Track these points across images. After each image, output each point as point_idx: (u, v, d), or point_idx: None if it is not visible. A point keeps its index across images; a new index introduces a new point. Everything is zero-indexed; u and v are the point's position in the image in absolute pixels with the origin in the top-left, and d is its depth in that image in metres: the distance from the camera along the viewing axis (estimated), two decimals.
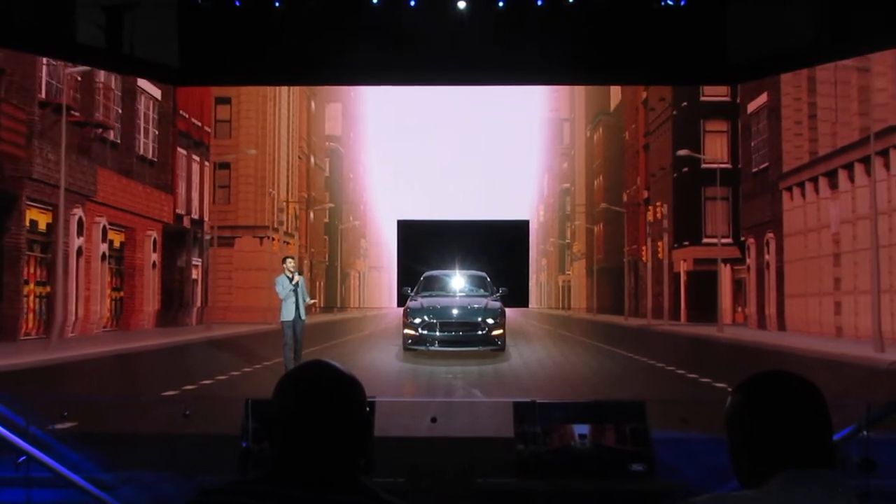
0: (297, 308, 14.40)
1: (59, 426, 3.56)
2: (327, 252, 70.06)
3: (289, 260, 14.86)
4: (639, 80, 5.60)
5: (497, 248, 19.45)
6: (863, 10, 3.35)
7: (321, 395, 1.56)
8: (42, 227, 24.17)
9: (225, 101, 42.91)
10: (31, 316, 23.48)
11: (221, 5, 3.67)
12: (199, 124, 38.35)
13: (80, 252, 25.53)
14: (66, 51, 4.02)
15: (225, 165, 41.27)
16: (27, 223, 22.98)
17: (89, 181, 25.25)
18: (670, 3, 3.56)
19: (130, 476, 3.32)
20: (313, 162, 63.74)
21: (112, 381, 16.27)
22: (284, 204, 48.78)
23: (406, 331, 18.30)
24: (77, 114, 24.35)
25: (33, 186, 22.81)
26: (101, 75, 27.21)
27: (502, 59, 3.88)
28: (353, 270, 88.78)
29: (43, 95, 23.84)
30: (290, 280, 14.47)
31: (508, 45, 3.79)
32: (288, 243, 47.46)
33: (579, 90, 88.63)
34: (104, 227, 27.76)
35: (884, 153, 23.30)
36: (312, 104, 63.36)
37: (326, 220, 68.84)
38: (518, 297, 20.65)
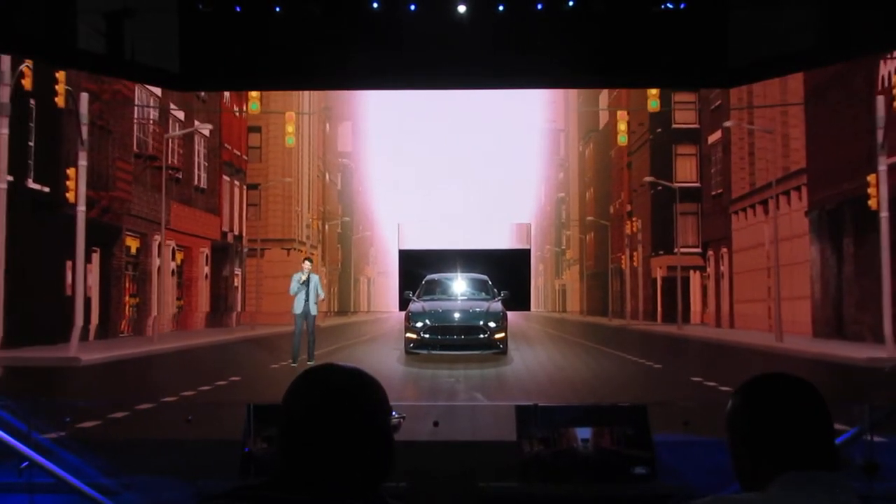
0: (307, 301, 16.32)
1: (61, 432, 3.56)
2: (340, 260, 74.16)
3: (305, 262, 16.97)
4: (639, 83, 5.62)
5: (498, 272, 19.81)
6: (861, 14, 3.35)
7: (328, 400, 1.52)
8: (133, 251, 31.01)
9: (256, 129, 47.87)
10: (124, 320, 29.98)
11: (222, 11, 3.67)
12: (238, 153, 44.56)
13: (159, 270, 32.44)
14: (69, 58, 4.03)
15: (255, 186, 47.19)
16: (124, 249, 29.97)
17: (165, 212, 31.57)
18: (670, 6, 3.56)
19: (132, 481, 3.32)
20: (328, 178, 67.64)
21: (214, 364, 19.39)
22: (311, 220, 55.73)
23: (408, 334, 18.24)
24: (157, 159, 30.91)
25: (129, 220, 29.64)
26: (174, 127, 34.19)
27: (502, 63, 3.88)
28: (362, 277, 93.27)
29: (136, 149, 30.53)
30: (300, 279, 16.38)
31: (509, 49, 3.78)
32: (313, 254, 53.14)
33: (572, 106, 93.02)
34: (173, 248, 34.02)
35: (797, 188, 30.11)
36: (327, 126, 67.57)
37: (339, 230, 73.21)
38: (520, 300, 20.75)
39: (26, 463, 3.03)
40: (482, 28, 3.68)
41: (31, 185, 22.24)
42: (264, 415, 3.38)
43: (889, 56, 23.57)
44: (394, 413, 1.58)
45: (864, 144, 22.11)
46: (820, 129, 27.68)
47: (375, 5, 3.61)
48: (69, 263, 24.38)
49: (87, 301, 25.42)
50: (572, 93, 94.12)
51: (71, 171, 21.29)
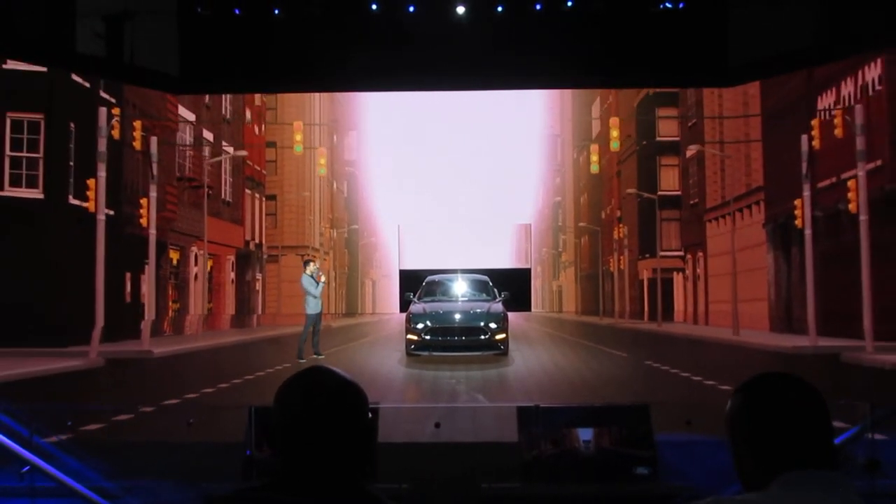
0: (319, 300, 17.90)
1: (62, 436, 3.56)
2: (347, 265, 78.39)
3: (310, 264, 18.26)
4: (638, 82, 5.62)
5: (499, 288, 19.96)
6: (860, 12, 3.35)
7: (323, 401, 1.55)
8: (175, 262, 35.60)
9: (272, 144, 52.03)
10: (166, 321, 34.34)
11: (221, 14, 3.67)
12: (258, 168, 49.35)
13: (195, 277, 37.64)
14: (68, 61, 4.03)
15: (273, 197, 52.66)
16: (168, 261, 34.53)
17: (200, 226, 35.69)
18: (669, 5, 3.56)
19: (134, 485, 3.31)
20: (335, 186, 71.58)
21: (262, 355, 22.16)
22: (324, 228, 61.39)
23: (409, 336, 18.21)
24: (195, 181, 36.00)
25: (173, 235, 34.05)
26: (207, 150, 38.63)
27: (502, 63, 3.88)
28: (368, 280, 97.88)
29: (177, 173, 35.01)
30: (316, 281, 17.65)
31: (508, 49, 3.78)
32: (325, 260, 58.17)
33: (567, 117, 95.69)
34: (205, 256, 38.49)
35: (757, 202, 34.89)
36: (335, 137, 71.49)
37: (346, 236, 77.54)
38: (521, 302, 20.82)
39: (28, 467, 3.03)
40: (481, 28, 3.68)
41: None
42: (266, 417, 3.37)
43: (825, 91, 27.60)
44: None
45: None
46: (773, 152, 32.16)
47: (374, 6, 3.61)
48: (128, 275, 29.47)
49: (142, 306, 30.46)
50: (567, 100, 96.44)
51: (143, 201, 26.11)
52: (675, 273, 49.06)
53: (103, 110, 22.74)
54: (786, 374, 1.60)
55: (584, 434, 3.38)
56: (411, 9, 3.62)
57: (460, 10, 3.64)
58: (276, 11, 3.62)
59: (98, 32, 3.58)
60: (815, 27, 3.53)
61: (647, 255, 52.11)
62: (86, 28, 3.56)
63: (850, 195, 22.55)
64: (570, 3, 3.56)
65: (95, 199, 22.05)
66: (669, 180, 51.73)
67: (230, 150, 41.33)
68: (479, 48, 3.75)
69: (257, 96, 49.12)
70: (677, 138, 50.42)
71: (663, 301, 44.83)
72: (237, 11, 3.64)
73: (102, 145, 22.32)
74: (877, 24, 3.32)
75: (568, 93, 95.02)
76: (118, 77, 4.06)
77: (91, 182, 22.45)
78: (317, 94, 59.95)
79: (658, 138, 52.63)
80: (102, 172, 22.19)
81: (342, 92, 56.64)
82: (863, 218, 21.18)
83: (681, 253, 48.68)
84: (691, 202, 46.38)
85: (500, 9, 3.61)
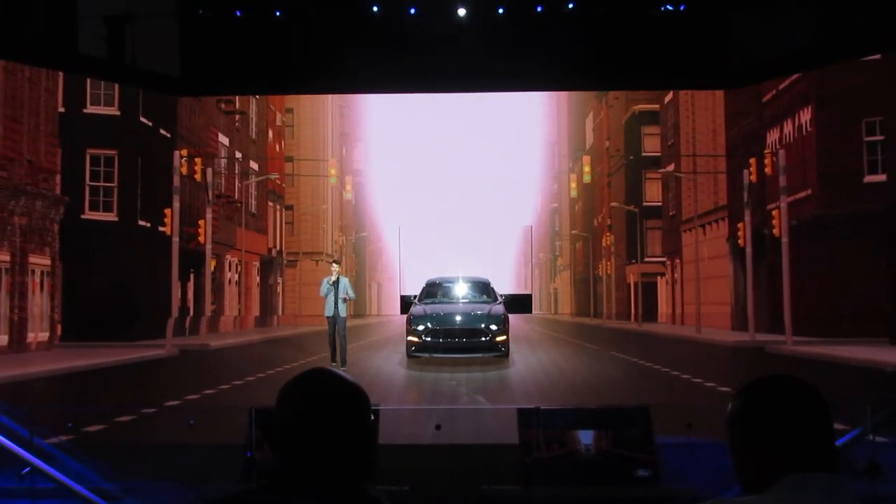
0: (336, 305, 16.63)
1: (63, 437, 3.56)
2: (355, 269, 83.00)
3: (333, 264, 17.84)
4: (639, 85, 5.64)
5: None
6: (859, 15, 3.35)
7: (325, 403, 1.55)
8: (212, 268, 38.59)
9: (290, 159, 57.13)
10: (204, 320, 37.19)
11: (223, 16, 3.68)
12: (279, 182, 54.17)
13: (229, 282, 42.81)
14: (70, 62, 4.04)
15: (290, 207, 57.93)
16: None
17: (233, 237, 41.48)
18: (669, 8, 3.57)
19: (134, 486, 3.31)
20: (344, 195, 75.10)
21: (302, 347, 24.79)
22: (336, 235, 67.21)
23: (409, 338, 18.19)
24: (230, 197, 41.66)
25: (212, 246, 36.58)
26: (236, 165, 44.03)
27: (503, 65, 3.88)
28: (374, 282, 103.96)
29: (216, 191, 37.43)
30: (329, 281, 16.87)
31: (509, 52, 3.79)
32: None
33: (563, 126, 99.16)
34: (236, 263, 43.61)
35: (723, 218, 40.05)
36: (344, 149, 76.11)
37: (354, 242, 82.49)
38: (521, 305, 20.85)
39: (28, 469, 3.03)
40: (483, 30, 3.69)
41: (160, 229, 31.11)
42: (267, 419, 3.37)
43: (772, 128, 32.05)
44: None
45: (756, 192, 30.03)
46: (734, 176, 36.41)
47: (375, 8, 3.62)
48: (178, 283, 32.98)
49: (188, 308, 35.89)
50: (563, 110, 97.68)
51: (201, 222, 31.02)
52: (658, 277, 54.00)
53: (177, 153, 27.77)
54: (787, 377, 1.60)
55: (585, 436, 3.38)
56: (412, 11, 3.62)
57: (461, 12, 3.64)
58: (278, 13, 3.63)
59: (99, 34, 3.58)
60: (815, 30, 3.54)
61: (633, 261, 56.79)
62: (87, 30, 3.56)
63: (774, 222, 27.20)
64: (570, 6, 3.56)
65: (171, 224, 26.77)
66: (654, 192, 57.14)
67: (256, 166, 47.92)
68: (480, 50, 3.75)
69: (278, 116, 53.67)
70: (661, 154, 54.53)
71: (645, 303, 50.85)
72: (238, 13, 3.65)
73: (177, 181, 26.94)
74: (876, 27, 3.33)
75: (564, 103, 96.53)
76: (120, 79, 4.07)
77: (168, 211, 27.30)
78: (329, 111, 64.35)
79: (643, 153, 57.57)
80: (177, 203, 26.61)
81: (343, 94, 57.53)
82: (784, 240, 26.31)
83: (663, 259, 53.25)
84: (670, 213, 51.33)
85: (501, 11, 3.61)
